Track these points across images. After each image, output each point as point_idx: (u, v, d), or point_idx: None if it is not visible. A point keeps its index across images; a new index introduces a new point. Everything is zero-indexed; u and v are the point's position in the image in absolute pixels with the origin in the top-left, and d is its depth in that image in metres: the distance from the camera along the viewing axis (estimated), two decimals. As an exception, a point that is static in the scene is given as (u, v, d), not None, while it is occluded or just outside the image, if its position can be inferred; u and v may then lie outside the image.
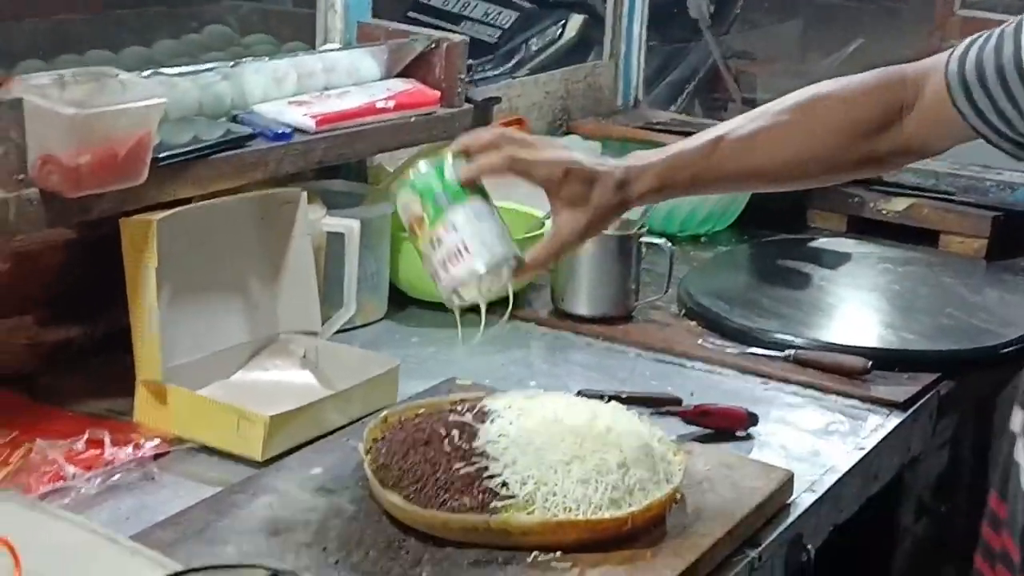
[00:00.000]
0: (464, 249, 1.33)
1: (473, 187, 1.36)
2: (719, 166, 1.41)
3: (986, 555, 1.42)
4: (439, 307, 2.05)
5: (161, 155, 1.56)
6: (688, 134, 2.62)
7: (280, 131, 1.74)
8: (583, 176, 1.37)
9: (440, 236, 1.34)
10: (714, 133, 1.42)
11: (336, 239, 1.84)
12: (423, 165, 1.38)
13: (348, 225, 1.83)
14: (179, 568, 1.04)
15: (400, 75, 2.02)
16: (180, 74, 1.72)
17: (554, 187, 1.36)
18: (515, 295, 2.06)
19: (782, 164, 1.41)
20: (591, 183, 1.37)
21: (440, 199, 1.35)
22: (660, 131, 2.72)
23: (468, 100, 2.06)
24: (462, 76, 2.04)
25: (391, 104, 1.93)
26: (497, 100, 2.18)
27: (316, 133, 1.80)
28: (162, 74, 1.68)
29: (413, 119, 1.96)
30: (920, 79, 1.38)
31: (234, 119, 1.76)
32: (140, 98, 1.50)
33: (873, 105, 1.39)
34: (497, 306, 1.42)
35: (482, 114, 2.09)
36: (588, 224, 1.38)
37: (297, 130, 1.78)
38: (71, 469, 1.45)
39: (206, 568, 0.99)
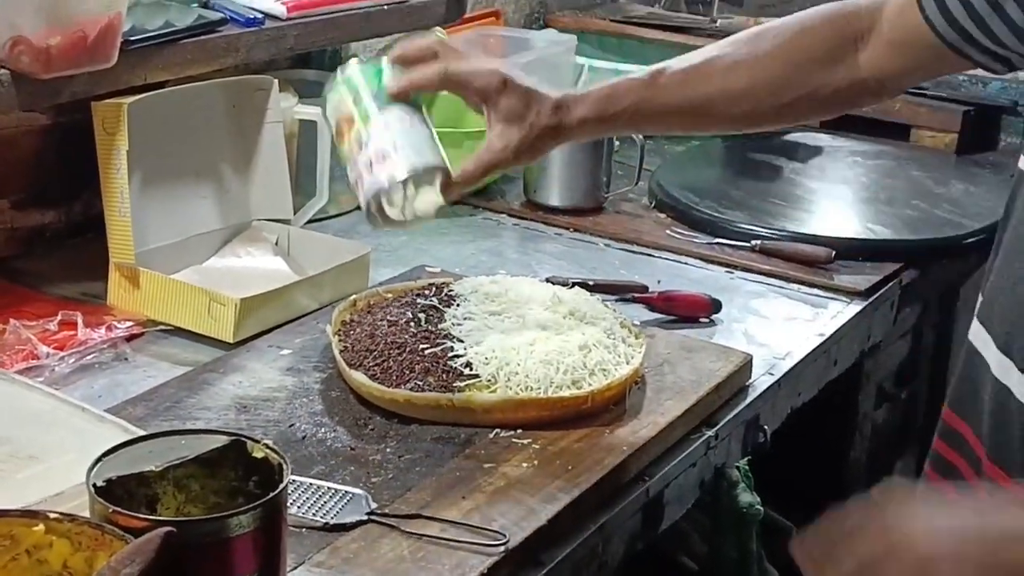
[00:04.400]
0: (393, 149, 1.28)
1: (407, 99, 1.32)
2: (662, 96, 1.34)
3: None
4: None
5: (131, 38, 1.56)
6: (668, 28, 2.69)
7: (251, 17, 1.74)
8: (521, 91, 1.32)
9: (370, 134, 1.29)
10: (658, 65, 1.36)
11: (309, 128, 1.85)
12: (356, 65, 1.33)
13: (320, 113, 1.84)
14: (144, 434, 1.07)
15: (374, -36, 2.01)
16: (151, -42, 1.72)
17: (492, 98, 1.31)
18: (487, 186, 2.10)
19: (730, 95, 1.34)
20: (528, 100, 1.32)
21: (373, 100, 1.31)
22: (638, 24, 2.72)
23: (442, -11, 2.06)
24: (436, -35, 2.03)
25: (364, -8, 1.92)
26: (471, -11, 2.18)
27: (288, 20, 1.80)
28: (133, -42, 1.68)
29: (386, 7, 1.95)
30: (875, 6, 1.31)
31: (205, 5, 1.76)
32: (109, -19, 1.50)
33: (823, 34, 1.33)
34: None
35: (456, 4, 2.09)
36: (521, 141, 1.32)
37: (269, 16, 1.78)
38: (45, 349, 1.48)
39: (168, 433, 1.03)
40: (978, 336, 1.20)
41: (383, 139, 1.28)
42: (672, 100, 1.35)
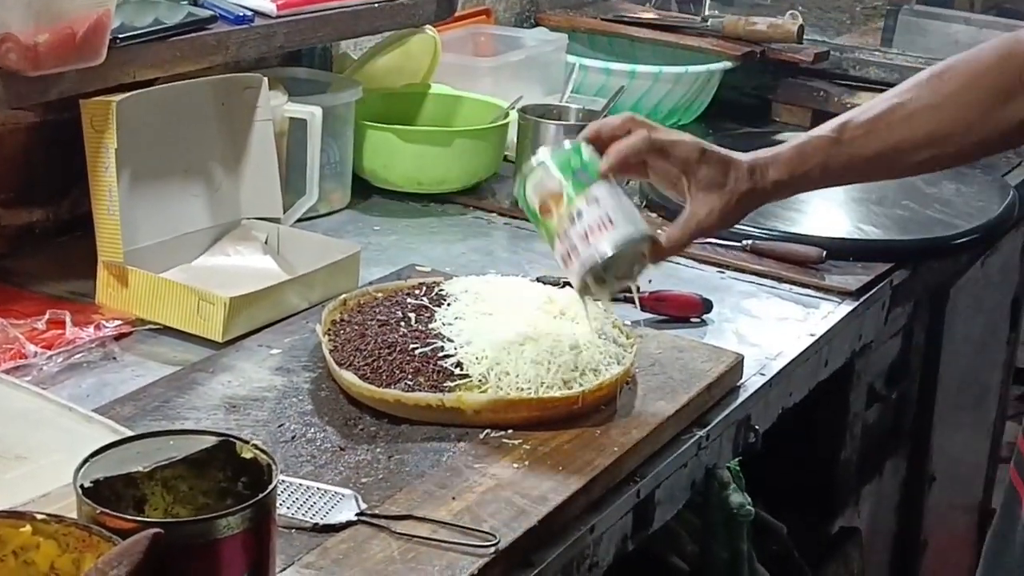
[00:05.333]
0: (608, 221, 1.31)
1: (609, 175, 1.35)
2: (848, 150, 1.37)
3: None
4: (402, 197, 2.07)
5: (120, 36, 1.56)
6: (659, 28, 2.68)
7: (241, 15, 1.74)
8: (717, 158, 1.35)
9: (581, 209, 1.32)
10: (840, 119, 1.39)
11: (299, 126, 1.85)
12: (548, 150, 1.36)
13: (310, 111, 1.84)
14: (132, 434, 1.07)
15: (364, -39, 2.01)
16: (140, -44, 1.71)
17: (691, 168, 1.35)
18: (478, 185, 2.09)
19: (915, 142, 1.36)
20: (726, 168, 1.35)
21: (580, 175, 1.33)
22: (629, 23, 2.71)
23: (433, -14, 2.05)
24: (427, -38, 2.03)
25: (354, -11, 1.92)
26: (462, -13, 2.18)
27: (278, 17, 1.79)
28: (121, -45, 1.67)
29: (377, 5, 1.95)
30: None
31: (195, 2, 1.75)
32: (97, -22, 1.49)
33: (996, 71, 1.35)
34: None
35: (447, 2, 2.08)
36: (724, 207, 1.36)
37: (258, 14, 1.77)
38: (32, 348, 1.47)
39: (156, 433, 1.02)
40: None
41: (597, 212, 1.31)
42: (858, 153, 1.37)
